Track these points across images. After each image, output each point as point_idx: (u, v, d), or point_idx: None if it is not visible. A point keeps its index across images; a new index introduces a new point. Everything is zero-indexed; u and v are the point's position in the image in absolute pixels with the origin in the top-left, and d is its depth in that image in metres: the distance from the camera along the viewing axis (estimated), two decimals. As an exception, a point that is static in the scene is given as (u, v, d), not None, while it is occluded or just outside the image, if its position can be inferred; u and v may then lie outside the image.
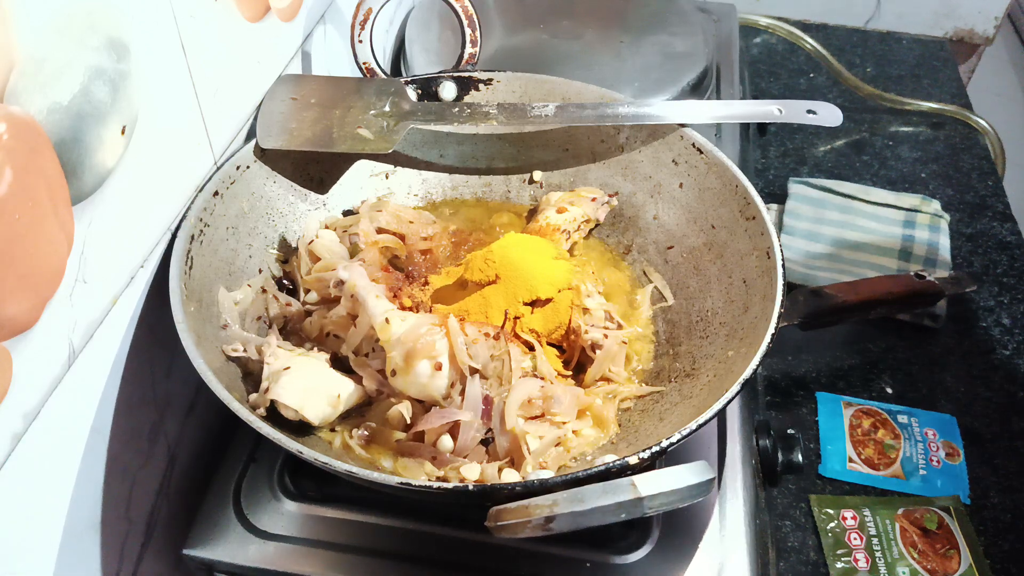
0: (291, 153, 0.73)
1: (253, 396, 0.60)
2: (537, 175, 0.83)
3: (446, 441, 0.59)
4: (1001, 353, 0.94)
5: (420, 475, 0.58)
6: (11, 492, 0.48)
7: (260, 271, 0.70)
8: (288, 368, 0.60)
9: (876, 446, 0.85)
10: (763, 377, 0.91)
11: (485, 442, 0.60)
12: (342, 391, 0.61)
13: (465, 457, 0.59)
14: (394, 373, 0.59)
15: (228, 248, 0.67)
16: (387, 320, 0.60)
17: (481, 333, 0.62)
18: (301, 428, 0.61)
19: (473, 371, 0.61)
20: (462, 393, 0.60)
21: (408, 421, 0.60)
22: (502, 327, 0.64)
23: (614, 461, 0.48)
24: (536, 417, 0.62)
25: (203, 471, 0.68)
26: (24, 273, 0.46)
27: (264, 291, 0.68)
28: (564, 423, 0.63)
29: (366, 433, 0.61)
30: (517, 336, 0.67)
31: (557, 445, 0.62)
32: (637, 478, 0.45)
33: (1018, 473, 0.83)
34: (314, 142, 0.71)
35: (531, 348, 0.66)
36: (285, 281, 0.70)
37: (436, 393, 0.59)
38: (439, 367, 0.58)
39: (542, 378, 0.64)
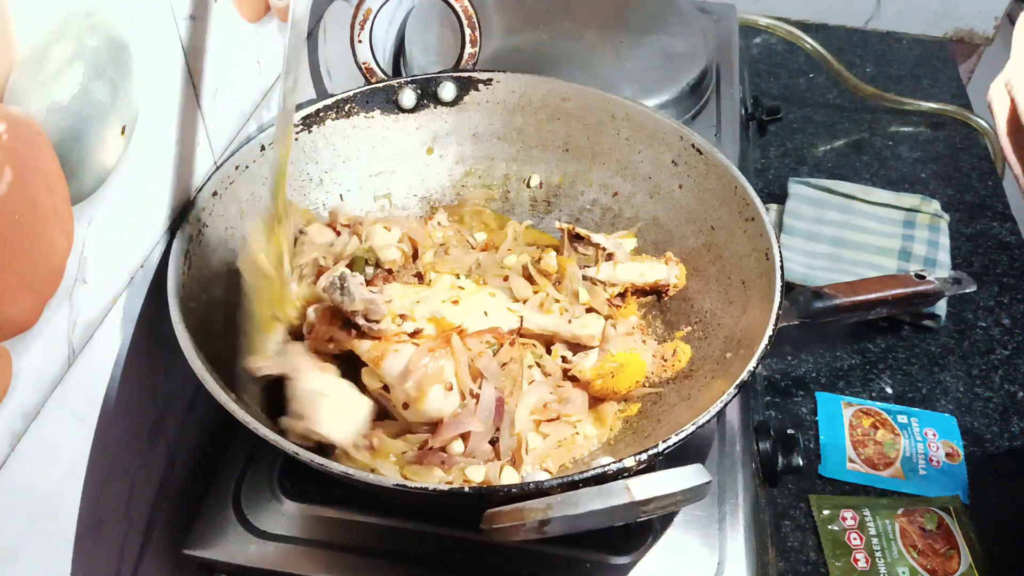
0: (289, 154, 0.73)
1: (284, 419, 0.58)
2: (537, 175, 0.83)
3: (457, 446, 0.59)
4: (1001, 353, 0.94)
5: (431, 480, 0.58)
6: (11, 492, 0.48)
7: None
8: (319, 392, 0.59)
9: (876, 446, 0.85)
10: (763, 377, 0.91)
11: (492, 440, 0.61)
12: (364, 413, 0.60)
13: (473, 457, 0.59)
14: (406, 406, 0.58)
15: (226, 248, 0.67)
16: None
17: (486, 345, 0.61)
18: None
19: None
20: (475, 396, 0.59)
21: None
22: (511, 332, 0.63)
23: (610, 463, 0.48)
24: (552, 420, 0.62)
25: (203, 471, 0.68)
26: (24, 273, 0.46)
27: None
28: (577, 421, 0.63)
29: (370, 443, 0.60)
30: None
31: (558, 446, 0.62)
32: (631, 482, 0.44)
33: (1018, 473, 0.83)
34: None
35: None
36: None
37: (449, 412, 0.59)
38: (450, 387, 0.58)
39: (548, 374, 0.64)
